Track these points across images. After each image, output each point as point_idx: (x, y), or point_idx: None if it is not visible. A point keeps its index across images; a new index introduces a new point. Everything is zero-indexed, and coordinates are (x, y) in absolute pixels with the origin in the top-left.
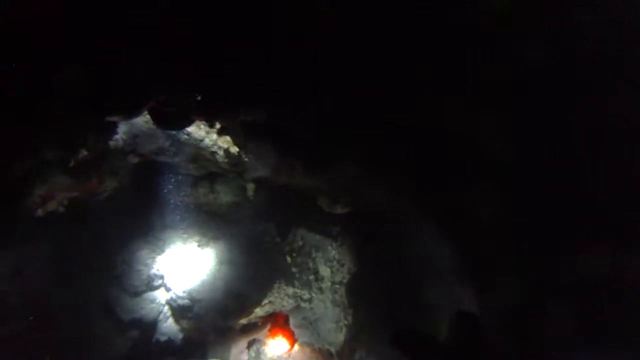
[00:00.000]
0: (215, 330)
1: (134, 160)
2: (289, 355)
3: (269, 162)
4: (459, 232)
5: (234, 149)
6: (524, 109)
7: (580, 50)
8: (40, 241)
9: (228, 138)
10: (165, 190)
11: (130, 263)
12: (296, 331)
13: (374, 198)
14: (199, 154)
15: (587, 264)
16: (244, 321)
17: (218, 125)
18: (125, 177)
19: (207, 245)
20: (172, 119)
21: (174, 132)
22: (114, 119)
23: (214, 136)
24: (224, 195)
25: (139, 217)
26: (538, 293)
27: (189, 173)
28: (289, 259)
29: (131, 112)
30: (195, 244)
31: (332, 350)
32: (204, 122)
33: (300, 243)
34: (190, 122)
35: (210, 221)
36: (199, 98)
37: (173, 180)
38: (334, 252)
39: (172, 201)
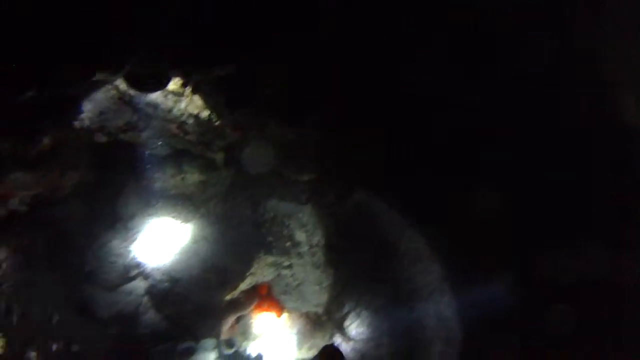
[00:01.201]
0: (200, 310)
1: (102, 139)
2: (278, 325)
3: (241, 120)
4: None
5: (205, 114)
6: (524, 107)
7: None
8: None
9: (198, 103)
10: (132, 176)
11: (102, 257)
12: (281, 299)
13: (343, 164)
14: (166, 128)
15: (587, 264)
16: (228, 298)
17: (189, 90)
18: (89, 167)
19: (179, 227)
20: (149, 79)
21: (141, 105)
22: (102, 76)
23: (182, 105)
24: (192, 175)
25: (105, 207)
26: (538, 293)
27: (155, 153)
28: (263, 230)
29: (117, 69)
30: (168, 227)
31: (320, 310)
32: (177, 82)
33: (272, 213)
34: (168, 81)
35: (180, 203)
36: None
37: (139, 163)
38: (306, 216)
39: (139, 186)
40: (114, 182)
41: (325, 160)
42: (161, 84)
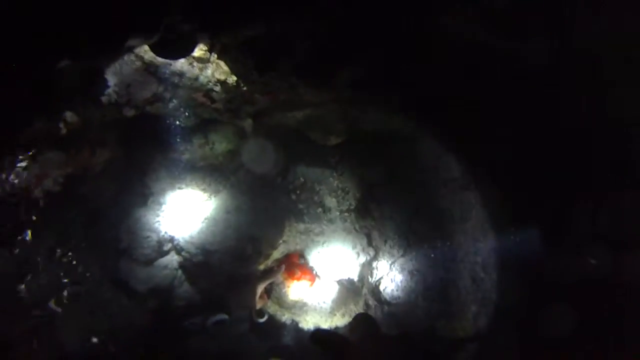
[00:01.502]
0: (234, 281)
1: (130, 113)
2: (311, 293)
3: (271, 84)
4: None
5: (232, 79)
6: (525, 106)
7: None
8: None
9: (225, 68)
10: (160, 149)
11: (136, 232)
12: (314, 266)
13: (373, 121)
14: (193, 97)
15: (587, 264)
16: (261, 267)
17: (215, 56)
18: (118, 143)
19: (210, 198)
20: (176, 45)
21: (166, 75)
22: (134, 42)
23: (209, 72)
24: (219, 144)
25: (136, 183)
26: (538, 293)
27: (182, 124)
28: (293, 197)
29: (151, 33)
30: (199, 199)
31: (353, 277)
32: (202, 48)
33: (302, 179)
34: (194, 46)
35: (209, 174)
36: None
37: (166, 135)
38: (336, 181)
39: (167, 159)
40: (143, 157)
41: (354, 123)
42: (188, 50)
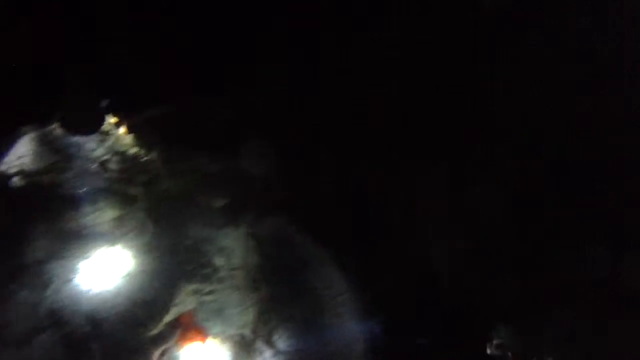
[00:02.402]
0: (126, 350)
1: (19, 184)
2: (204, 352)
3: (174, 155)
4: None
5: (133, 151)
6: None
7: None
8: None
9: (126, 141)
10: (42, 218)
11: (8, 309)
12: (206, 325)
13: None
14: (87, 167)
15: (587, 264)
16: (154, 332)
17: (118, 129)
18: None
19: (97, 266)
20: (85, 122)
21: (64, 146)
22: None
23: (108, 143)
24: (108, 211)
25: (11, 254)
26: (538, 293)
27: (70, 193)
28: (183, 258)
29: (45, 121)
30: (84, 267)
31: (245, 332)
32: (112, 121)
33: (190, 241)
34: (102, 122)
35: (95, 242)
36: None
37: (52, 204)
38: (223, 241)
39: (51, 229)
40: (22, 227)
41: (241, 185)
42: (96, 127)
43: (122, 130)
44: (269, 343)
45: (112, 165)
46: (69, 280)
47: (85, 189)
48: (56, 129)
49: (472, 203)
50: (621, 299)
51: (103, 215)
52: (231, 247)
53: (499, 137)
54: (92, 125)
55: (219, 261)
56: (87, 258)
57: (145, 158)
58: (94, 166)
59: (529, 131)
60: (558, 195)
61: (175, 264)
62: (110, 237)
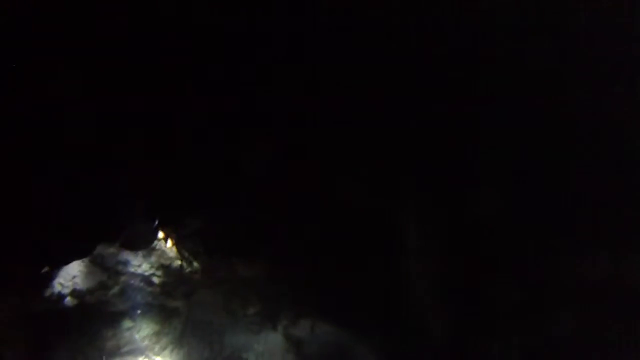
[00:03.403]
0: None
1: (72, 303)
2: None
3: (214, 264)
4: None
5: (176, 263)
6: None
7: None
8: None
9: (170, 254)
10: (91, 337)
11: None
12: None
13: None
14: (130, 283)
15: (587, 265)
16: None
17: (169, 243)
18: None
19: None
20: (142, 239)
21: (112, 264)
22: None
23: (153, 258)
24: (149, 325)
25: None
26: (538, 294)
27: (114, 310)
28: None
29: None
30: None
31: None
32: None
33: (229, 350)
34: (155, 238)
35: (136, 357)
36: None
37: (98, 323)
38: (262, 345)
39: (92, 347)
40: (68, 347)
41: (271, 292)
42: (150, 243)
43: (168, 244)
44: None
45: (155, 280)
46: None
47: (128, 305)
48: (111, 248)
49: (472, 203)
50: (621, 300)
51: (143, 330)
52: (270, 351)
53: (498, 137)
54: (148, 242)
55: None
56: None
57: (187, 269)
58: (138, 282)
59: (529, 131)
60: (558, 195)
61: None
62: (149, 352)
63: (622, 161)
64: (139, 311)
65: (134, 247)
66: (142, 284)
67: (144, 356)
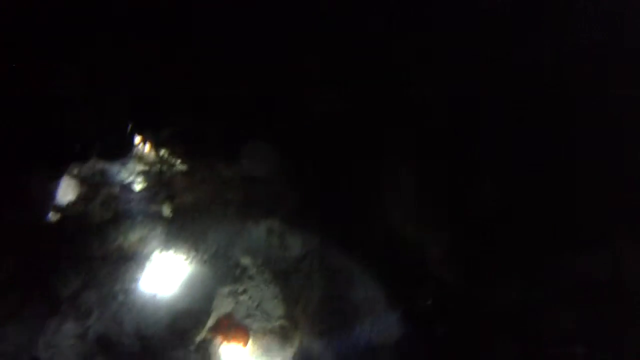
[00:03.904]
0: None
1: (54, 218)
2: (248, 349)
3: (193, 165)
4: None
5: (155, 168)
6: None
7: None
8: None
9: (148, 159)
10: (68, 252)
11: (58, 342)
12: (246, 323)
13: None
14: (111, 192)
15: (587, 264)
16: (198, 339)
17: (147, 147)
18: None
19: (129, 287)
20: (119, 148)
21: (89, 175)
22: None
23: (131, 165)
24: (134, 232)
25: (53, 287)
26: (538, 293)
27: (97, 221)
28: (211, 265)
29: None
30: (117, 290)
31: (284, 323)
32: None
33: (214, 248)
34: (133, 145)
35: (125, 263)
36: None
37: (79, 235)
38: (247, 241)
39: (77, 259)
40: (54, 262)
41: (256, 187)
42: (128, 151)
43: (146, 149)
44: (309, 330)
45: (136, 186)
46: (108, 306)
47: (110, 214)
48: (87, 161)
49: (473, 203)
50: (622, 299)
51: (129, 237)
52: (254, 246)
53: (499, 136)
54: (125, 150)
55: (245, 261)
56: (120, 281)
57: (167, 174)
58: (118, 190)
59: (530, 131)
60: (558, 195)
61: (206, 272)
62: (138, 258)
63: (622, 160)
64: (122, 219)
65: (110, 156)
66: (122, 193)
67: (132, 261)
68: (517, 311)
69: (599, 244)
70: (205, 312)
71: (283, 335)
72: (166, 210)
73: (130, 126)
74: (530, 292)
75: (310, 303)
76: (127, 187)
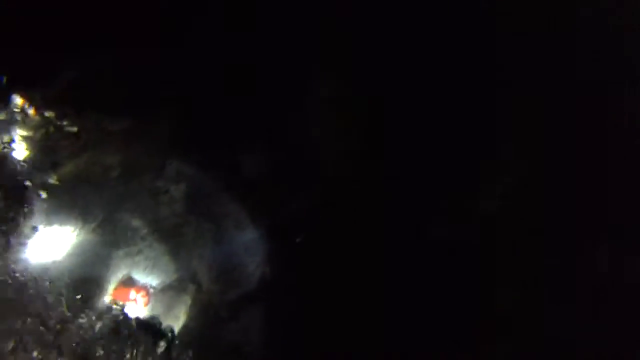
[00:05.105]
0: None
1: None
2: (150, 303)
3: (83, 124)
4: None
5: (40, 132)
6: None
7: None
8: None
9: (32, 124)
10: None
11: None
12: (145, 282)
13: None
14: None
15: (587, 264)
16: (102, 304)
17: (31, 110)
18: None
19: (26, 260)
20: None
21: None
22: None
23: (14, 129)
24: (16, 207)
25: None
26: (538, 293)
27: None
28: (102, 231)
29: None
30: (16, 265)
31: (182, 275)
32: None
33: (101, 214)
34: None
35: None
36: None
37: None
38: (132, 202)
39: None
40: None
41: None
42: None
43: (30, 111)
44: (205, 279)
45: (18, 155)
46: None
47: None
48: None
49: (472, 203)
50: (621, 299)
51: (12, 211)
52: (141, 206)
53: (505, 136)
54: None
55: (135, 222)
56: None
57: (54, 137)
58: None
59: (531, 131)
60: (558, 195)
61: (98, 239)
62: (22, 231)
63: (622, 160)
64: (4, 192)
65: None
66: (3, 161)
67: (16, 238)
68: (517, 311)
69: (599, 244)
70: (106, 277)
71: (181, 288)
72: (50, 180)
73: (4, 79)
74: (530, 292)
75: (204, 252)
76: (8, 156)
